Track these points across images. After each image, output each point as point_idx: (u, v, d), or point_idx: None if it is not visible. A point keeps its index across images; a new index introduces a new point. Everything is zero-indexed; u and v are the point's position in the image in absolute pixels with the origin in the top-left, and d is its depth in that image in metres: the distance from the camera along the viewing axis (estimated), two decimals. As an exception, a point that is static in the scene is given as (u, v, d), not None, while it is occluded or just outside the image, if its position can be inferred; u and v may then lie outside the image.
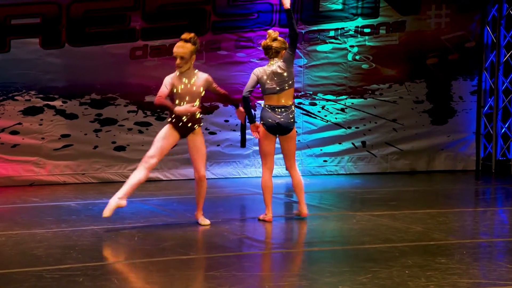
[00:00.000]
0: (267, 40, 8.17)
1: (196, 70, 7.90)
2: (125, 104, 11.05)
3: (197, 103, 7.76)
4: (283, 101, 8.19)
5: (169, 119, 7.86)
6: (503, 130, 12.59)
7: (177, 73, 7.80)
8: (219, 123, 11.55)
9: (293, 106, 8.27)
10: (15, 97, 10.74)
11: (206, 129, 11.44)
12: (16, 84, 10.73)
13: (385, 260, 6.52)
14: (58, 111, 10.91)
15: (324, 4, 11.83)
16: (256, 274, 6.41)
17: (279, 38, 8.17)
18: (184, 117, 7.73)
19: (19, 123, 10.76)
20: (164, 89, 7.76)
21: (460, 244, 7.40)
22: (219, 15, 11.44)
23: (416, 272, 6.09)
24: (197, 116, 7.87)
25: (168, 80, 7.82)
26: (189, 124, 7.81)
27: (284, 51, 8.17)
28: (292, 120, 8.21)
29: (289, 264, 6.92)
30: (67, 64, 10.81)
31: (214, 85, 7.97)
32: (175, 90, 7.78)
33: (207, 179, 11.12)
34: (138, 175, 7.69)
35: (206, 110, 11.41)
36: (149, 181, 10.94)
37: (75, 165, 11.00)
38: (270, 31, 8.31)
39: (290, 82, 8.18)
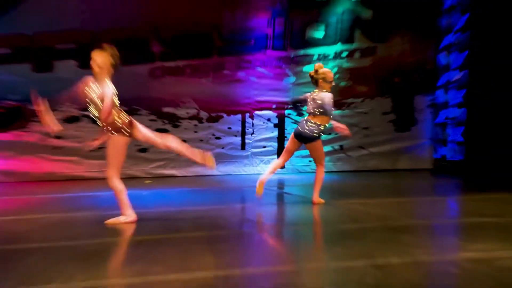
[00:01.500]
0: (312, 71, 8.28)
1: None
2: (146, 113, 11.12)
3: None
4: (316, 120, 8.33)
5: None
6: (454, 137, 12.60)
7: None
8: (224, 130, 11.59)
9: (320, 125, 8.36)
10: (58, 108, 10.79)
11: (213, 134, 11.49)
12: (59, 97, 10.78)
13: (357, 236, 6.58)
14: (92, 120, 10.95)
15: (310, 32, 11.89)
16: (252, 248, 6.46)
17: (320, 70, 8.21)
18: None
19: (61, 129, 10.80)
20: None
21: (417, 224, 7.45)
22: (223, 41, 11.50)
23: (381, 245, 6.14)
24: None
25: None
26: (105, 129, 6.99)
27: (322, 81, 8.23)
28: (309, 133, 8.31)
29: (279, 240, 6.97)
30: (100, 81, 10.88)
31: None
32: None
33: (213, 176, 11.22)
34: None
35: (212, 119, 11.49)
36: (167, 176, 11.07)
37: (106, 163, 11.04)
38: (316, 64, 8.31)
39: (321, 110, 8.28)
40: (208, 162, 7.20)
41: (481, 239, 6.45)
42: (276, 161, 8.56)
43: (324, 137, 12.18)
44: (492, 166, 11.74)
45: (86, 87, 6.95)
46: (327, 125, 8.44)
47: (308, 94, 8.36)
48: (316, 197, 8.55)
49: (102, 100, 6.88)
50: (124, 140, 6.96)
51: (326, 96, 8.18)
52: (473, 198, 9.23)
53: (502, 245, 6.20)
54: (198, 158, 7.16)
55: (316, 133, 8.37)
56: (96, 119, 7.04)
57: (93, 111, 7.00)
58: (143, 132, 7.05)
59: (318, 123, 8.34)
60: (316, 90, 8.26)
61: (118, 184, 7.00)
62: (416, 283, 5.06)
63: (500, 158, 11.74)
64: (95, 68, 6.86)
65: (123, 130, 6.94)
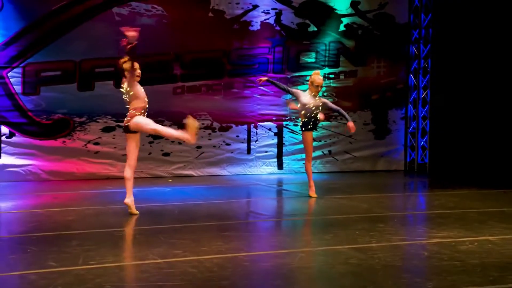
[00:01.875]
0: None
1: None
2: (169, 124, 11.03)
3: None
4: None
5: None
6: (421, 143, 12.55)
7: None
8: (233, 138, 11.51)
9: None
10: (97, 120, 10.74)
11: (224, 141, 11.41)
12: (97, 111, 10.73)
13: (342, 225, 6.50)
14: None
15: (303, 58, 11.86)
16: (256, 234, 6.39)
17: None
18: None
19: (99, 137, 10.75)
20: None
21: (393, 215, 7.38)
22: (232, 65, 11.45)
23: (363, 233, 6.07)
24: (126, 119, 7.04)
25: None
26: (127, 124, 7.07)
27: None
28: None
29: (278, 228, 6.89)
30: (131, 98, 10.82)
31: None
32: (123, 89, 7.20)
33: (224, 176, 11.14)
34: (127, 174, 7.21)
35: (223, 129, 11.40)
36: (186, 176, 10.98)
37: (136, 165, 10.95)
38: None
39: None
40: (191, 131, 6.67)
41: (445, 227, 6.38)
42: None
43: (315, 143, 12.12)
44: (452, 167, 11.74)
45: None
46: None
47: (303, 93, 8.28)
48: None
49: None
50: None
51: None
52: (438, 194, 9.16)
53: (463, 232, 6.12)
54: (178, 133, 6.83)
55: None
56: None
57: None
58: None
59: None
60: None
61: None
62: (393, 263, 4.98)
63: (458, 160, 11.78)
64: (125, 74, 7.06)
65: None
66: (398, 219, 7.03)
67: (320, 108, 8.29)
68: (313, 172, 11.87)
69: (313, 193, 8.44)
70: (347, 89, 12.14)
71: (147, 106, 7.16)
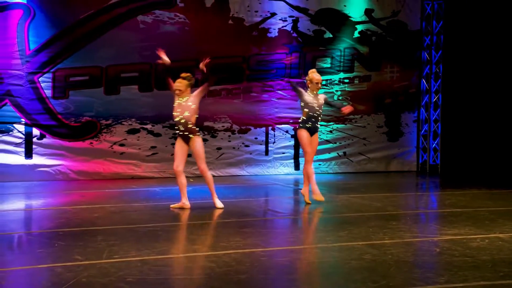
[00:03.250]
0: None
1: (191, 94, 7.18)
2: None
3: (186, 113, 7.07)
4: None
5: (176, 131, 7.26)
6: (433, 145, 12.43)
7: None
8: (251, 140, 11.46)
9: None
10: (122, 122, 10.75)
11: (243, 143, 11.38)
12: (123, 114, 10.74)
13: (357, 223, 6.42)
14: (149, 131, 10.91)
15: (319, 63, 11.78)
16: (273, 231, 6.33)
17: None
18: (181, 127, 7.07)
19: (125, 139, 10.77)
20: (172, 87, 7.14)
21: (405, 213, 7.28)
22: (251, 70, 11.41)
23: (377, 230, 5.99)
24: (189, 126, 7.07)
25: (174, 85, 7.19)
26: (186, 133, 7.10)
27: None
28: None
29: (295, 225, 6.84)
30: (155, 102, 10.83)
31: (197, 90, 7.19)
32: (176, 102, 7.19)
33: (243, 176, 11.11)
34: (182, 181, 7.25)
35: (242, 131, 11.37)
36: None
37: (160, 166, 10.97)
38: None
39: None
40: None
41: (456, 225, 6.27)
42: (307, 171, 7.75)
43: (330, 145, 12.06)
44: (463, 168, 11.61)
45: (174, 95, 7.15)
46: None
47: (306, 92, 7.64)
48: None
49: (188, 104, 7.09)
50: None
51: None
52: (449, 194, 9.04)
53: (473, 230, 6.01)
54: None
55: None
56: (181, 127, 7.11)
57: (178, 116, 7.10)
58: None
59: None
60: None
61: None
62: (405, 259, 4.89)
63: (469, 162, 11.66)
64: (178, 92, 7.13)
65: (198, 133, 7.18)
66: (411, 217, 6.94)
67: (323, 107, 7.81)
68: (328, 173, 11.99)
69: (318, 196, 7.67)
70: (361, 93, 12.05)
71: (178, 119, 7.18)
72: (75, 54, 10.39)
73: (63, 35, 10.33)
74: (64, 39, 10.32)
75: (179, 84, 7.20)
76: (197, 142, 7.19)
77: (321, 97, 7.75)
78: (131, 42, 10.70)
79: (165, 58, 7.28)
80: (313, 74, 7.75)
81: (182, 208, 7.23)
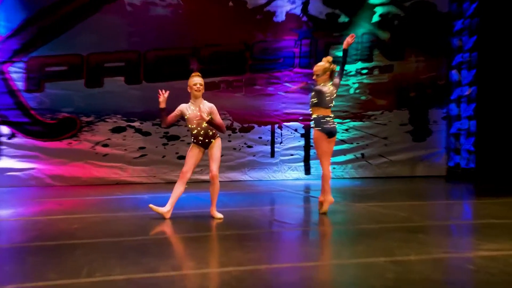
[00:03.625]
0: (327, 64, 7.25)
1: (203, 100, 7.29)
2: (185, 125, 10.99)
3: (204, 124, 7.19)
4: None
5: (193, 140, 7.36)
6: (467, 146, 12.39)
7: (189, 104, 7.32)
8: (255, 139, 11.45)
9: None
10: (106, 119, 10.75)
11: (245, 143, 11.35)
12: (106, 110, 10.75)
13: (377, 235, 6.35)
14: (136, 130, 10.90)
15: (333, 52, 11.75)
16: (279, 245, 6.27)
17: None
18: (200, 137, 7.24)
19: (108, 139, 10.77)
20: (173, 113, 7.35)
21: (434, 225, 7.22)
22: (255, 59, 11.40)
23: (401, 244, 5.92)
24: (210, 134, 7.24)
25: (178, 108, 7.37)
26: (207, 140, 7.27)
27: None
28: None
29: (304, 238, 6.78)
30: (143, 95, 10.81)
31: (213, 115, 7.20)
32: (186, 116, 7.33)
33: (245, 181, 11.08)
34: (179, 190, 7.32)
35: (245, 129, 11.33)
36: (203, 181, 10.91)
37: (149, 169, 10.97)
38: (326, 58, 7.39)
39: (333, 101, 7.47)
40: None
41: (493, 239, 6.20)
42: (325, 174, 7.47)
43: (346, 146, 12.03)
44: (502, 173, 11.54)
45: (179, 112, 7.32)
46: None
47: (318, 88, 7.22)
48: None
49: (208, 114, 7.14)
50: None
51: (336, 85, 7.26)
52: (485, 202, 8.98)
53: (514, 244, 5.93)
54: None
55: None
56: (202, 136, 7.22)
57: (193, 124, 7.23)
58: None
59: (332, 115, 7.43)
60: (328, 84, 7.24)
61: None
62: (434, 278, 4.82)
63: (508, 165, 11.58)
64: (200, 87, 7.24)
65: (217, 135, 7.31)
66: (440, 230, 6.87)
67: (335, 93, 7.49)
68: (343, 178, 11.95)
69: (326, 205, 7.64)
70: (381, 85, 12.02)
71: (196, 132, 7.28)
72: (51, 41, 10.39)
73: (38, 19, 10.32)
74: (38, 24, 10.31)
75: (200, 79, 7.31)
76: (217, 142, 7.34)
77: (333, 84, 7.40)
78: (116, 26, 10.70)
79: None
80: (315, 66, 7.45)
81: (162, 217, 7.21)
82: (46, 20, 10.37)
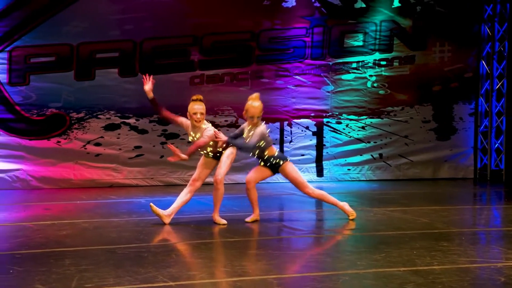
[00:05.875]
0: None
1: (203, 127, 7.33)
2: (186, 120, 11.04)
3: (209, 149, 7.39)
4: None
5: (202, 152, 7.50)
6: (496, 145, 12.39)
7: (190, 126, 7.41)
8: (262, 138, 11.45)
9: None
10: (98, 116, 10.79)
11: (251, 142, 11.37)
12: (99, 105, 10.78)
13: (396, 243, 6.39)
14: (132, 127, 10.93)
15: (348, 41, 11.78)
16: (289, 253, 6.30)
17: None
18: (210, 152, 7.43)
19: (101, 137, 10.80)
20: (174, 117, 7.54)
21: (460, 232, 7.24)
22: (262, 50, 11.42)
23: (422, 253, 5.95)
24: (221, 149, 7.45)
25: (182, 119, 7.53)
26: (218, 154, 7.47)
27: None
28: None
29: (317, 246, 6.81)
30: (139, 89, 10.78)
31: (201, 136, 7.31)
32: (190, 138, 7.44)
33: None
34: (185, 197, 7.42)
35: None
36: (205, 184, 10.93)
37: (146, 170, 11.00)
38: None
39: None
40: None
41: (526, 247, 6.21)
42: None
43: (363, 145, 12.03)
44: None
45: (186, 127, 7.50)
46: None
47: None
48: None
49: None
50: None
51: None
52: (516, 207, 8.97)
53: (548, 253, 5.95)
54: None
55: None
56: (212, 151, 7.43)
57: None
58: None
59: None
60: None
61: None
62: (459, 290, 4.84)
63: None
64: (200, 116, 7.29)
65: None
66: (466, 237, 6.89)
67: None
68: (359, 180, 11.96)
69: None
70: (402, 78, 12.02)
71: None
72: (37, 28, 10.42)
73: (22, 4, 10.37)
74: (23, 9, 10.36)
75: (201, 107, 7.34)
76: (229, 150, 7.53)
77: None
78: (109, 13, 10.74)
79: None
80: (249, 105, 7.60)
81: (160, 222, 7.28)
82: (31, 5, 10.40)
